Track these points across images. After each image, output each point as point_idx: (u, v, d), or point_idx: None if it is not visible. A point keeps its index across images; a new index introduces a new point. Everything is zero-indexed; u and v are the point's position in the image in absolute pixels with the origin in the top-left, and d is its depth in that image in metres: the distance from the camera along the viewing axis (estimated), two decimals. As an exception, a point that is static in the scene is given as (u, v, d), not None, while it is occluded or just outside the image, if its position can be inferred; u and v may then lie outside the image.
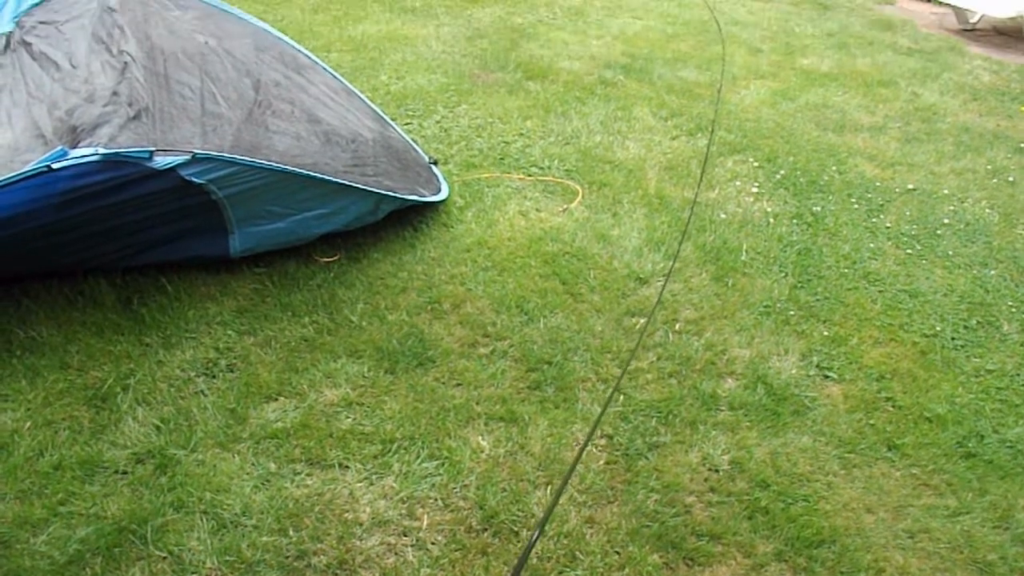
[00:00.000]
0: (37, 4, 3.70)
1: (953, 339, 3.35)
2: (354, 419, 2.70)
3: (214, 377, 2.83)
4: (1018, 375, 3.19)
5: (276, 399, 2.77)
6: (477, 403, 2.78)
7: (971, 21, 7.74)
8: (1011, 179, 4.69)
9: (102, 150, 2.68)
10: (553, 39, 6.41)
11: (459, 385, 2.86)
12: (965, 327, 3.43)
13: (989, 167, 4.83)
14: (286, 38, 4.26)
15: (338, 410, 2.73)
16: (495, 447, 2.63)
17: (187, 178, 2.83)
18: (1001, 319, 3.50)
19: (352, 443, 2.60)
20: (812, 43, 6.83)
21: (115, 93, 3.03)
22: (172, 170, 2.78)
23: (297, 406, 2.74)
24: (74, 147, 2.76)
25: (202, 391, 2.76)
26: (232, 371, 2.87)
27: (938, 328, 3.40)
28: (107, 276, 3.20)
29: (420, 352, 2.98)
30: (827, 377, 3.07)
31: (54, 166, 2.60)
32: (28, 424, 2.58)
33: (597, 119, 4.97)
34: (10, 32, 3.54)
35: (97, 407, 2.67)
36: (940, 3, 7.71)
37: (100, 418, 2.63)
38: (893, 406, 2.97)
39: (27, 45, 3.45)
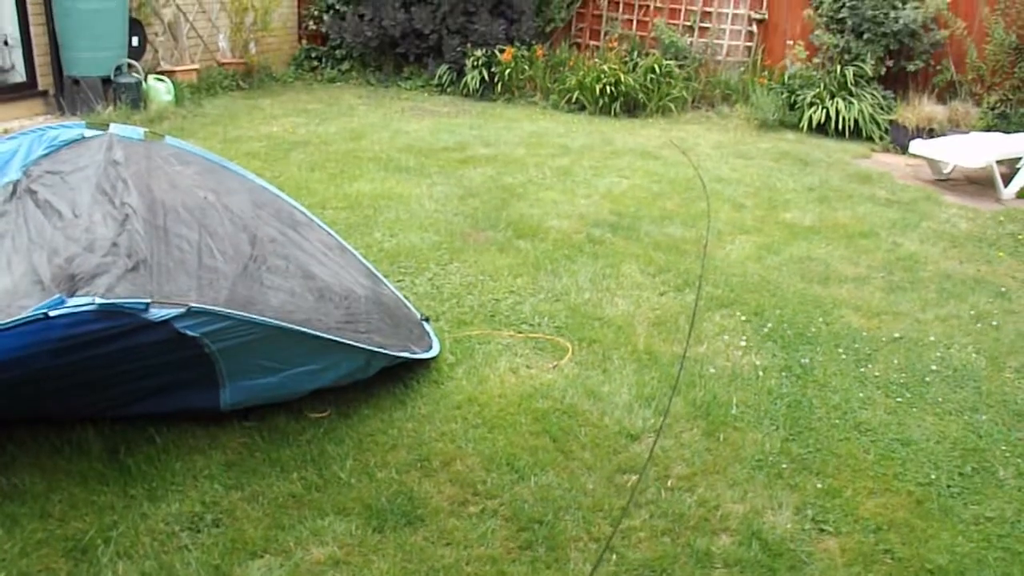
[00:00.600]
0: (46, 154, 3.84)
1: (949, 487, 3.31)
2: (341, 581, 2.63)
3: (199, 532, 2.79)
4: (1018, 521, 3.14)
5: (262, 556, 2.71)
6: (467, 563, 2.73)
7: (944, 172, 8.01)
8: (995, 323, 4.75)
9: (99, 300, 2.72)
10: (542, 198, 6.61)
11: (449, 545, 2.81)
12: (960, 474, 3.40)
13: (972, 312, 4.90)
14: (283, 195, 4.40)
15: (325, 569, 2.67)
16: (485, 610, 2.56)
17: (181, 331, 2.86)
18: (996, 464, 3.48)
19: (339, 607, 2.54)
20: (794, 197, 7.04)
21: (115, 244, 3.10)
22: (167, 322, 2.81)
23: (283, 564, 2.68)
24: (72, 295, 2.81)
25: (186, 546, 2.71)
26: (218, 526, 2.82)
27: (933, 476, 3.37)
28: (95, 424, 3.20)
29: (409, 511, 2.94)
30: (823, 531, 3.02)
31: (51, 314, 2.64)
32: (2, 574, 2.52)
33: (586, 276, 5.07)
34: (17, 180, 3.66)
35: (76, 559, 2.61)
36: (914, 155, 7.99)
37: (79, 571, 2.57)
38: (892, 558, 2.91)
39: (32, 193, 3.56)
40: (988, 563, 2.91)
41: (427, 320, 4.22)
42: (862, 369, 4.18)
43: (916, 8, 9.16)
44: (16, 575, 2.53)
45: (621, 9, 11.17)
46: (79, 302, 2.72)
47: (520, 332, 4.32)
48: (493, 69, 10.81)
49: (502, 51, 10.79)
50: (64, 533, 2.71)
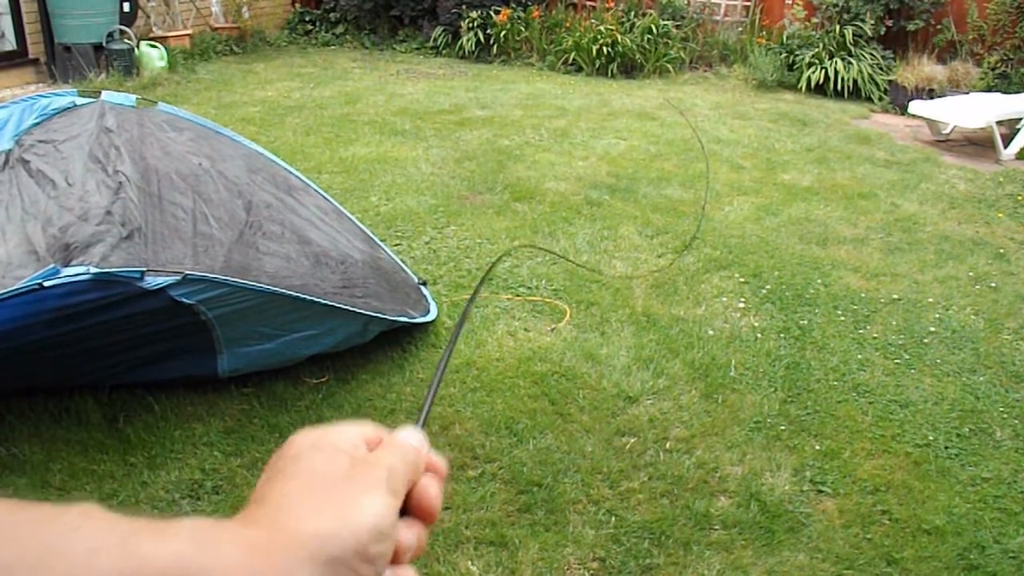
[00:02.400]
0: (37, 123, 3.80)
1: (946, 448, 3.32)
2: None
3: (199, 499, 2.79)
4: (1015, 482, 3.15)
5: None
6: (466, 527, 2.74)
7: (944, 132, 7.97)
8: (993, 285, 4.75)
9: (94, 269, 2.71)
10: (539, 160, 6.57)
11: (448, 508, 2.82)
12: (958, 435, 3.41)
13: (971, 274, 4.89)
14: (278, 160, 4.37)
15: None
16: (484, 572, 2.57)
17: (177, 298, 2.85)
18: (993, 426, 3.48)
19: (339, 571, 2.55)
20: (792, 159, 7.01)
21: (109, 212, 3.08)
22: (163, 290, 2.80)
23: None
24: (66, 265, 2.79)
25: (186, 513, 2.72)
26: (217, 493, 2.83)
27: (931, 438, 3.38)
28: (94, 393, 3.19)
29: (408, 475, 2.94)
30: (821, 492, 3.03)
31: (45, 284, 2.62)
32: None
33: (584, 238, 5.05)
34: (9, 150, 3.62)
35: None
36: (913, 116, 7.94)
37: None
38: (890, 519, 2.93)
39: (25, 163, 3.52)
40: (984, 523, 2.93)
41: (424, 284, 4.20)
42: (860, 331, 4.18)
43: (916, -35, 9.08)
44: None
45: (618, -31, 11.06)
46: (74, 272, 2.71)
47: (518, 295, 4.31)
48: (489, 31, 10.71)
49: (498, 12, 10.68)
50: (65, 502, 2.71)
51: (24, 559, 0.36)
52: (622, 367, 3.71)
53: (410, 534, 0.50)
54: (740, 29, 10.54)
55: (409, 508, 0.52)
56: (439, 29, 11.07)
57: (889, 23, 9.37)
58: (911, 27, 9.32)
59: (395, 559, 0.49)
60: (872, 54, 9.34)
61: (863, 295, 4.54)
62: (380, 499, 0.48)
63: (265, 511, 0.46)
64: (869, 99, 9.23)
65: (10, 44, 8.69)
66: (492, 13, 10.70)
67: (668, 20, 10.28)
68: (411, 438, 0.55)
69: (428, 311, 3.92)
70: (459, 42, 10.87)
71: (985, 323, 4.32)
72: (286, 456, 0.50)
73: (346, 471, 0.49)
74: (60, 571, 0.36)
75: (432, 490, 0.53)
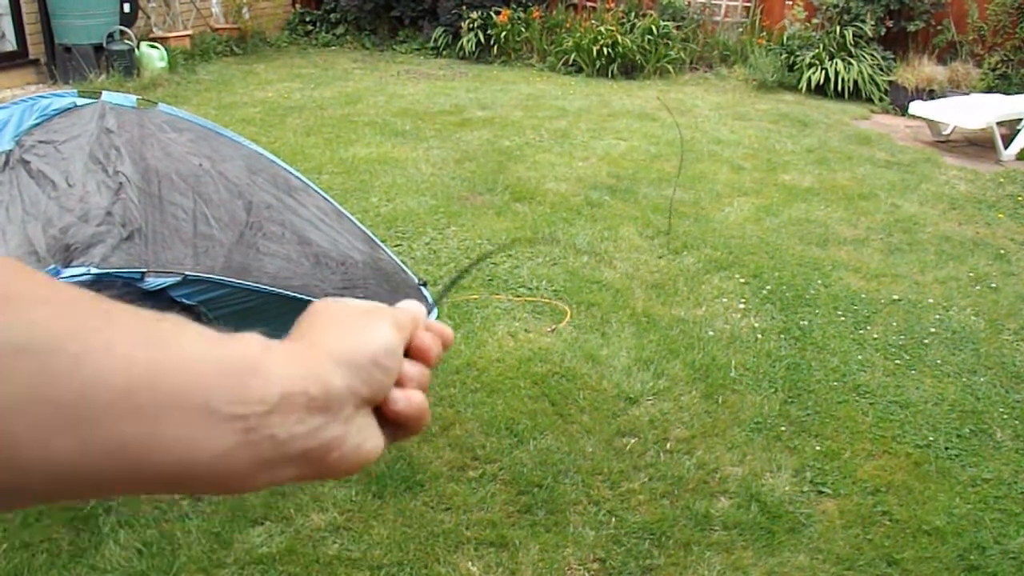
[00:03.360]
0: (37, 124, 3.80)
1: (947, 449, 3.32)
2: (341, 544, 2.65)
3: (199, 499, 2.79)
4: (1015, 483, 3.15)
5: (262, 523, 2.72)
6: (467, 528, 2.74)
7: (944, 133, 7.97)
8: (994, 285, 4.75)
9: (94, 270, 2.71)
10: (540, 161, 6.57)
11: (448, 509, 2.82)
12: (958, 436, 3.41)
13: (971, 274, 4.89)
14: (278, 160, 4.36)
15: (325, 535, 2.68)
16: (485, 573, 2.57)
17: (178, 299, 2.85)
18: (994, 426, 3.48)
19: (339, 569, 2.55)
20: (793, 159, 7.01)
21: (109, 213, 3.08)
22: (163, 291, 2.80)
23: (283, 531, 2.69)
24: (67, 265, 2.79)
25: (186, 514, 2.72)
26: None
27: (931, 438, 3.38)
28: (94, 400, 3.19)
29: (409, 476, 2.95)
30: (821, 492, 3.03)
31: None
32: (4, 546, 2.53)
33: (584, 239, 5.05)
34: (10, 151, 3.62)
35: (78, 529, 2.62)
36: (914, 117, 7.95)
37: (80, 541, 2.58)
38: (890, 520, 2.93)
39: (25, 163, 3.52)
40: (985, 524, 2.93)
41: (425, 285, 4.19)
42: (861, 331, 4.18)
43: (917, -34, 9.08)
44: (18, 546, 2.54)
45: (618, -31, 11.06)
46: (74, 272, 2.71)
47: (518, 296, 4.31)
48: (489, 31, 10.72)
49: (498, 13, 10.69)
50: (65, 503, 2.71)
51: (140, 376, 0.46)
52: (622, 368, 3.71)
53: (412, 367, 0.62)
54: (740, 30, 10.54)
55: (409, 353, 0.63)
56: (439, 30, 11.07)
57: (889, 24, 9.38)
58: (911, 28, 9.32)
59: (402, 383, 0.61)
60: (872, 55, 9.35)
61: (863, 296, 4.54)
62: (387, 327, 0.60)
63: (299, 341, 0.59)
64: (869, 100, 9.24)
65: (10, 45, 8.70)
66: (492, 14, 10.71)
67: (668, 21, 10.29)
68: (412, 305, 0.68)
69: (428, 312, 3.91)
70: (459, 43, 10.87)
71: (985, 324, 4.32)
72: (311, 312, 0.63)
73: (360, 312, 0.62)
74: (172, 375, 0.48)
75: (427, 337, 0.65)
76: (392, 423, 0.60)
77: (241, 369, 0.51)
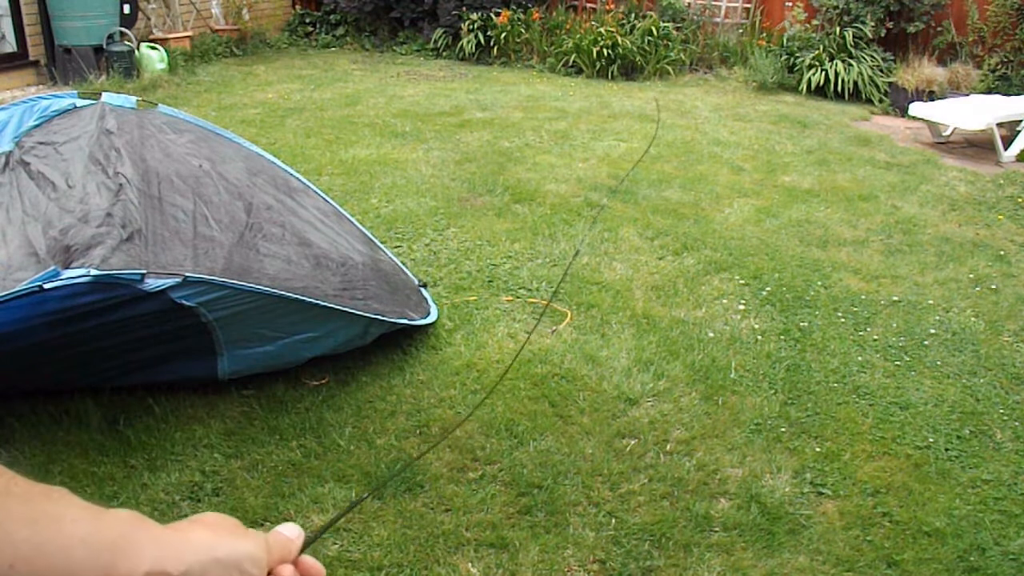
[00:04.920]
0: (37, 125, 3.81)
1: (947, 450, 3.32)
2: (341, 546, 2.64)
3: (199, 501, 2.79)
4: (1015, 484, 3.15)
5: (262, 524, 2.71)
6: (466, 529, 2.74)
7: (944, 134, 7.97)
8: (994, 287, 4.75)
9: (94, 271, 2.71)
10: (540, 162, 6.57)
11: (448, 511, 2.82)
12: (958, 437, 3.41)
13: (972, 276, 4.89)
14: (278, 162, 4.37)
15: (325, 536, 2.67)
16: (485, 574, 2.57)
17: (178, 301, 2.85)
18: (994, 428, 3.48)
19: (340, 570, 2.55)
20: (793, 161, 7.01)
21: (109, 214, 3.08)
22: (163, 292, 2.80)
23: (283, 535, 2.68)
24: (67, 267, 2.80)
25: (187, 515, 2.70)
26: (218, 495, 2.83)
27: (931, 440, 3.38)
28: (94, 395, 3.19)
29: (408, 477, 2.95)
30: (821, 494, 3.03)
31: (46, 286, 2.63)
32: None
33: (584, 240, 5.05)
34: (10, 152, 3.63)
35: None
36: (914, 118, 7.95)
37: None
38: (890, 521, 2.92)
39: (25, 165, 3.53)
40: (985, 525, 2.93)
41: (425, 286, 4.21)
42: (861, 333, 4.18)
43: (916, -32, 9.08)
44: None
45: (618, -29, 11.06)
46: (74, 274, 2.71)
47: (518, 297, 4.31)
48: (489, 33, 10.72)
49: (498, 14, 10.69)
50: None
51: (24, 552, 0.52)
52: (622, 369, 3.71)
53: None
54: (740, 31, 10.54)
55: None
56: (439, 31, 11.07)
57: (889, 25, 9.38)
58: (911, 29, 9.32)
59: None
60: (872, 56, 9.35)
61: (863, 297, 4.54)
62: (256, 543, 0.69)
63: (176, 529, 0.66)
64: (869, 101, 9.24)
65: (10, 46, 8.70)
66: (492, 15, 10.71)
67: (668, 22, 10.29)
68: (288, 531, 0.76)
69: (428, 313, 3.92)
70: (459, 44, 10.88)
71: (985, 325, 4.32)
72: (198, 516, 0.71)
73: (235, 526, 0.70)
74: (51, 554, 0.53)
75: (286, 571, 0.72)
76: None
77: (112, 550, 0.58)
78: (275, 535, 0.73)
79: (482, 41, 10.76)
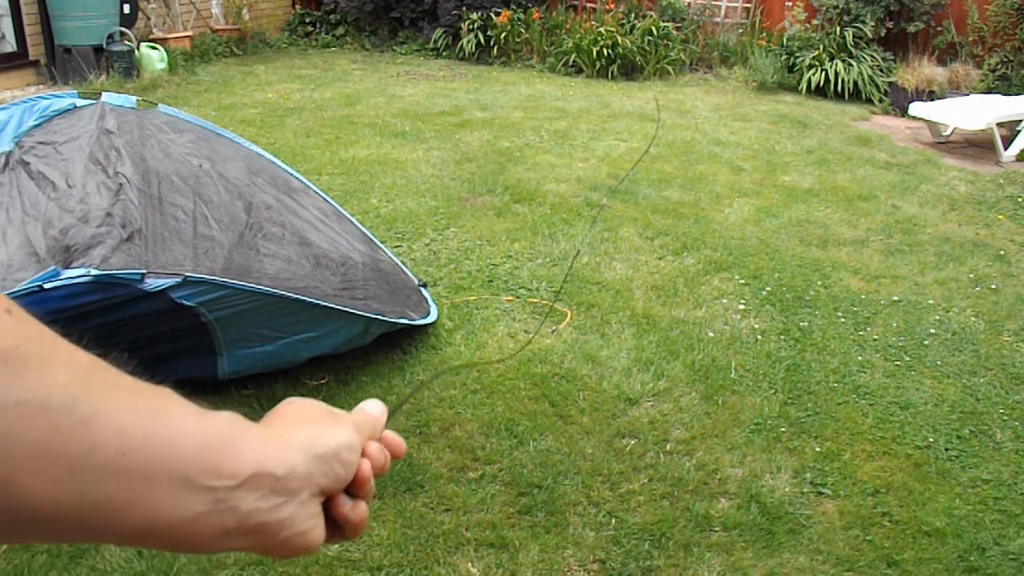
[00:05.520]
0: (37, 125, 3.80)
1: (947, 450, 3.32)
2: (341, 545, 2.64)
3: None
4: (1015, 484, 3.15)
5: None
6: (466, 529, 2.74)
7: (944, 134, 7.97)
8: (994, 287, 4.75)
9: (94, 271, 2.71)
10: (540, 162, 6.57)
11: (448, 510, 2.82)
12: (958, 437, 3.41)
13: (972, 275, 4.89)
14: (278, 161, 4.37)
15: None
16: (485, 574, 2.57)
17: (178, 300, 2.85)
18: (994, 427, 3.48)
19: (339, 570, 2.55)
20: (793, 160, 7.01)
21: (109, 214, 3.08)
22: (163, 292, 2.80)
23: (283, 534, 2.68)
24: (67, 267, 2.79)
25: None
26: (218, 498, 2.82)
27: (931, 439, 3.38)
28: (93, 400, 3.19)
29: (408, 477, 2.95)
30: (821, 494, 3.03)
31: (46, 286, 2.62)
32: (4, 547, 2.53)
33: (581, 240, 5.05)
34: (10, 152, 3.62)
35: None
36: (914, 118, 7.95)
37: (81, 545, 2.57)
38: (890, 521, 2.93)
39: (25, 164, 3.53)
40: (985, 525, 2.93)
41: (425, 286, 4.21)
42: (860, 332, 4.18)
43: (916, -33, 9.08)
44: (19, 547, 2.54)
45: (618, -29, 11.06)
46: (74, 274, 2.71)
47: (518, 297, 4.31)
48: (489, 32, 10.72)
49: (498, 14, 10.69)
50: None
51: (133, 441, 0.53)
52: (622, 369, 3.71)
53: (367, 471, 0.68)
54: (740, 31, 10.54)
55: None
56: (439, 31, 11.07)
57: (889, 25, 9.38)
58: (911, 29, 9.33)
59: (353, 488, 0.68)
60: (872, 56, 9.35)
61: (863, 297, 4.54)
62: (349, 428, 0.67)
63: (271, 427, 0.65)
64: (869, 101, 9.24)
65: (10, 46, 8.70)
66: (492, 15, 10.71)
67: (668, 22, 10.29)
68: (372, 408, 0.74)
69: (428, 313, 3.92)
70: (459, 44, 10.88)
71: (985, 325, 4.32)
72: (283, 406, 0.70)
73: (325, 411, 0.69)
74: (160, 444, 0.54)
75: (373, 447, 0.70)
76: (333, 522, 0.67)
77: (218, 446, 0.58)
78: (361, 414, 0.72)
79: (482, 41, 10.76)
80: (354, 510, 0.68)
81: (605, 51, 10.01)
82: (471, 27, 10.72)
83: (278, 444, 0.62)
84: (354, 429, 0.68)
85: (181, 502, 0.55)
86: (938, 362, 3.95)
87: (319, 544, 0.65)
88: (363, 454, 0.69)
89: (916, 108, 7.69)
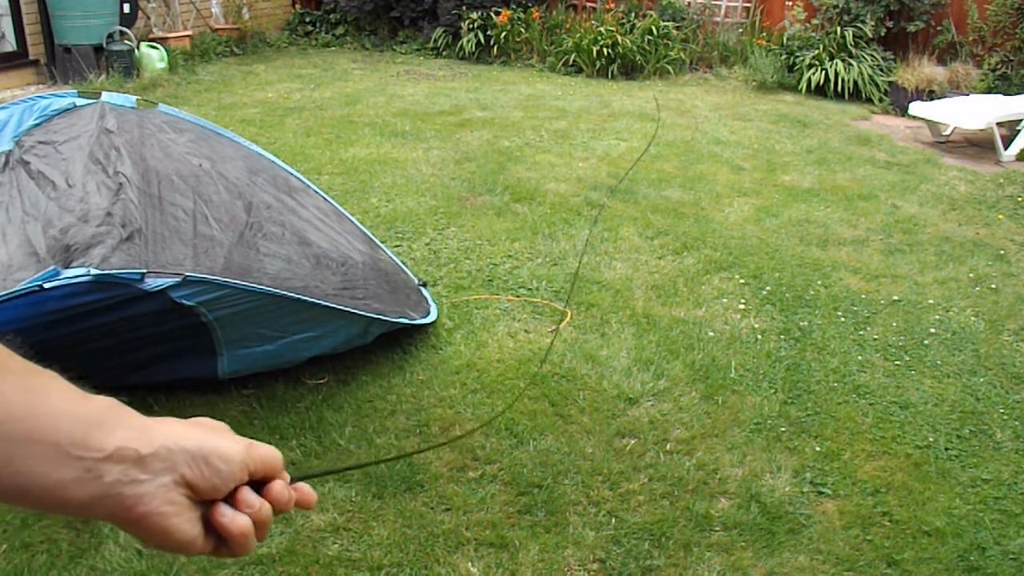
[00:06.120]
0: (37, 124, 3.80)
1: (947, 450, 3.32)
2: (341, 545, 2.65)
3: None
4: (1015, 484, 3.15)
5: (262, 526, 2.71)
6: (466, 528, 2.74)
7: (944, 134, 7.97)
8: (994, 286, 4.75)
9: (94, 271, 2.71)
10: (540, 161, 6.57)
11: (448, 510, 2.82)
12: (958, 437, 3.41)
13: (971, 275, 4.89)
14: (278, 161, 4.36)
15: (325, 535, 2.68)
16: (485, 574, 2.57)
17: (178, 300, 2.84)
18: (993, 427, 3.48)
19: (339, 570, 2.55)
20: (792, 160, 7.01)
21: (109, 214, 3.08)
22: (163, 292, 2.80)
23: (283, 531, 2.69)
24: (67, 266, 2.79)
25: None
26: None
27: (931, 439, 3.38)
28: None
29: (409, 476, 2.95)
30: (821, 493, 3.03)
31: (46, 286, 2.62)
32: (4, 547, 2.53)
33: (584, 240, 5.05)
34: (9, 151, 3.62)
35: (77, 530, 2.62)
36: (914, 117, 7.95)
37: (80, 541, 2.57)
38: (890, 520, 2.93)
39: (25, 164, 3.52)
40: (985, 525, 2.93)
41: (425, 285, 4.21)
42: (861, 332, 4.18)
43: (916, -33, 9.08)
44: (18, 546, 2.54)
45: (618, -30, 11.06)
46: (74, 273, 2.71)
47: (518, 297, 4.31)
48: (489, 32, 10.72)
49: (498, 13, 10.69)
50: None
51: (15, 413, 0.62)
52: (622, 368, 3.71)
53: (253, 498, 0.74)
54: (740, 30, 10.54)
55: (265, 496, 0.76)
56: (439, 30, 11.07)
57: (889, 24, 9.38)
58: (911, 28, 9.32)
59: (238, 505, 0.73)
60: (872, 55, 9.35)
61: (863, 297, 4.54)
62: (230, 444, 0.73)
63: (145, 418, 0.71)
64: (869, 100, 9.23)
65: (10, 45, 8.70)
66: (492, 14, 10.71)
67: (668, 21, 10.29)
68: (273, 453, 0.78)
69: (428, 313, 3.92)
70: (459, 43, 10.87)
71: (985, 325, 4.32)
72: (179, 420, 0.74)
73: (216, 427, 0.75)
74: (38, 417, 0.63)
75: (283, 489, 0.77)
76: (217, 533, 0.73)
77: (90, 423, 0.66)
78: (262, 448, 0.76)
79: (482, 40, 10.75)
80: (233, 521, 0.72)
81: (605, 51, 10.01)
82: (471, 26, 10.72)
83: (147, 429, 0.69)
84: (242, 449, 0.73)
85: (53, 468, 0.63)
86: (938, 362, 3.95)
87: (187, 541, 0.70)
88: (265, 487, 0.76)
89: (916, 108, 7.69)
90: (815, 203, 5.97)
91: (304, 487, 0.80)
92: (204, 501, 0.72)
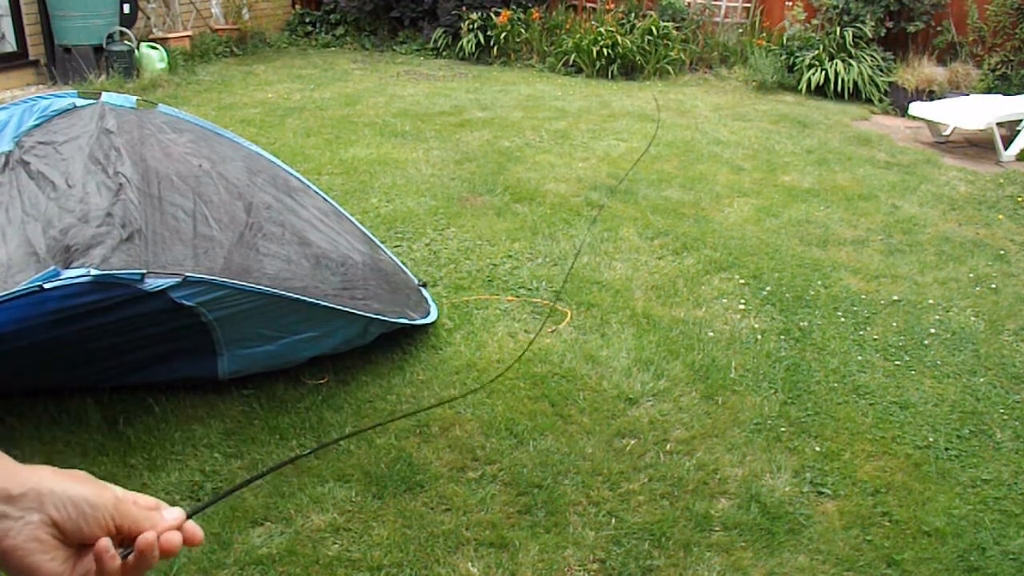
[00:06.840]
0: (37, 125, 3.80)
1: (947, 450, 3.32)
2: (341, 545, 2.65)
3: (199, 500, 2.79)
4: (1015, 484, 3.15)
5: (262, 524, 2.72)
6: (466, 528, 2.74)
7: (944, 134, 7.97)
8: (994, 286, 4.75)
9: (94, 271, 2.71)
10: (540, 162, 6.57)
11: (448, 510, 2.82)
12: (958, 437, 3.41)
13: (972, 275, 4.89)
14: (278, 161, 4.36)
15: (325, 536, 2.68)
16: (485, 574, 2.57)
17: (178, 300, 2.85)
18: (993, 427, 3.48)
19: (339, 570, 2.55)
20: (793, 160, 7.01)
21: (109, 214, 3.08)
22: (163, 292, 2.80)
23: (283, 531, 2.69)
24: (67, 267, 2.79)
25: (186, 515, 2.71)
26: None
27: (931, 439, 3.38)
28: (94, 395, 3.19)
29: (408, 476, 2.95)
30: (821, 493, 3.03)
31: (46, 286, 2.62)
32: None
33: (584, 240, 5.05)
34: (9, 151, 3.62)
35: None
36: (914, 118, 7.95)
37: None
38: (890, 521, 2.92)
39: (25, 164, 3.52)
40: (984, 525, 2.93)
41: (424, 286, 4.21)
42: (860, 332, 4.18)
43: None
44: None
45: (618, -30, 11.05)
46: (74, 274, 2.71)
47: (518, 297, 4.31)
48: (489, 32, 10.72)
49: (498, 14, 10.69)
50: None
51: None
52: (622, 369, 3.71)
53: (103, 540, 0.77)
54: (740, 31, 10.54)
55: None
56: (439, 31, 11.07)
57: (889, 25, 9.38)
58: (911, 29, 9.32)
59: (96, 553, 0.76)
60: (872, 55, 9.34)
61: (863, 297, 4.54)
62: (98, 491, 0.77)
63: (20, 465, 0.76)
64: (869, 101, 9.23)
65: (10, 46, 8.70)
66: (492, 15, 10.70)
67: (668, 22, 10.28)
68: (168, 514, 0.84)
69: (428, 313, 3.92)
70: (459, 44, 10.87)
71: (985, 325, 4.32)
72: (54, 468, 0.80)
73: (87, 478, 0.78)
74: None
75: (147, 537, 0.80)
76: None
77: None
78: (134, 504, 0.80)
79: (482, 41, 10.75)
80: (104, 556, 0.76)
81: (605, 51, 10.00)
82: (471, 27, 10.72)
83: (19, 474, 0.75)
84: (108, 499, 0.78)
85: None
86: (938, 362, 3.95)
87: (48, 573, 0.74)
88: (136, 538, 0.79)
89: (916, 108, 7.69)
90: (815, 203, 5.97)
91: (190, 527, 0.85)
92: (76, 545, 0.76)
